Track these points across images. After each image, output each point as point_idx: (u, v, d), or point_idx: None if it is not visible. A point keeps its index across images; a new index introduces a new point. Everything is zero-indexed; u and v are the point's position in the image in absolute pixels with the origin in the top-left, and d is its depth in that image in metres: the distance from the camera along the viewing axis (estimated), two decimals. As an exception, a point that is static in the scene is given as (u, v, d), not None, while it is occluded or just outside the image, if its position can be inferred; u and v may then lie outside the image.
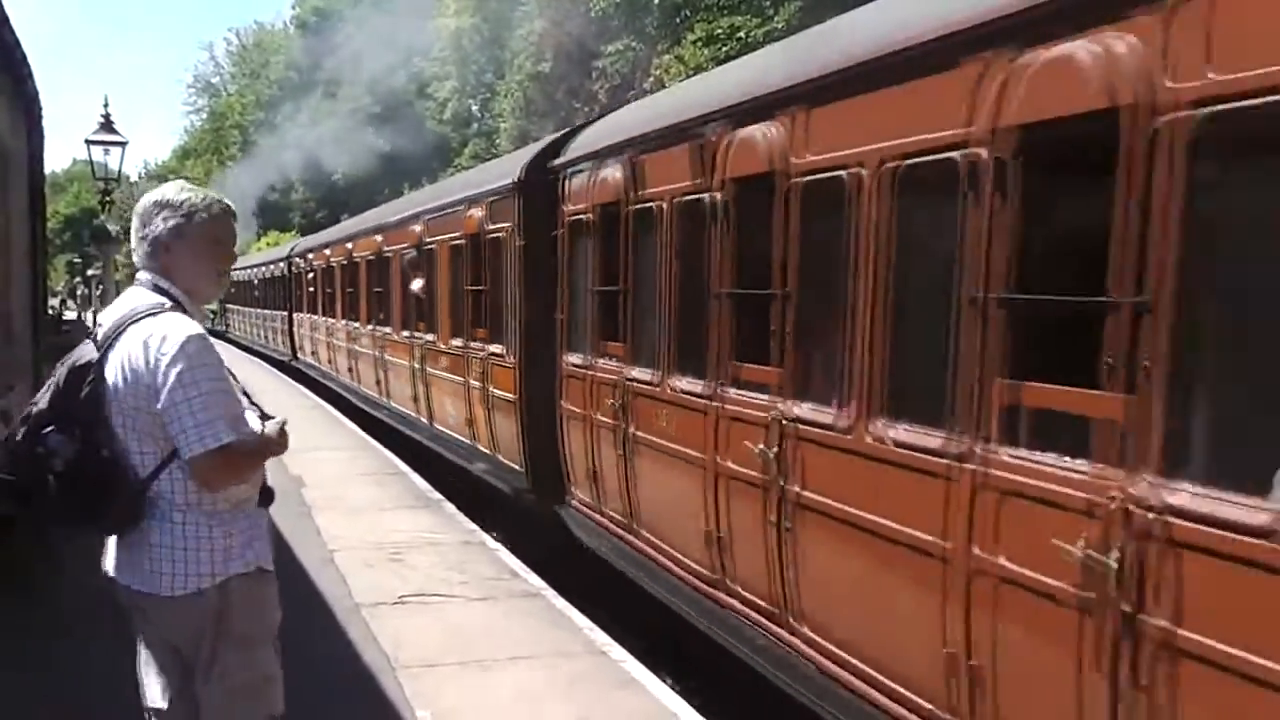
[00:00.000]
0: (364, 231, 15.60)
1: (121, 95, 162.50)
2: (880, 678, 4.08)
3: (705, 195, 5.27)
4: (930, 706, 3.79)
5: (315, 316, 19.63)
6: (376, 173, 40.97)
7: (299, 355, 22.21)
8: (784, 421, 4.60)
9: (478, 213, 9.41)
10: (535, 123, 29.44)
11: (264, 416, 3.06)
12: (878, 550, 3.98)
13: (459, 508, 9.73)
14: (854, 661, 4.25)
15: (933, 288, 3.68)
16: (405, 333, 12.51)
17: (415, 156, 38.94)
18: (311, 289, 20.03)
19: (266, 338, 27.17)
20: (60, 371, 2.91)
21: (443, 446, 11.22)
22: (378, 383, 14.36)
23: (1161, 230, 2.78)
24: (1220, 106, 2.60)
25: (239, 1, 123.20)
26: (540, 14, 30.26)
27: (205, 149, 63.96)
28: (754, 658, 5.01)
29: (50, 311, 24.47)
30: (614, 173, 6.46)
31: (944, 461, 3.61)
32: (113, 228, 18.28)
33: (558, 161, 7.58)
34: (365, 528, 8.63)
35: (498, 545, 8.28)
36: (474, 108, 39.92)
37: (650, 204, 5.95)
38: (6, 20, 6.77)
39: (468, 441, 10.18)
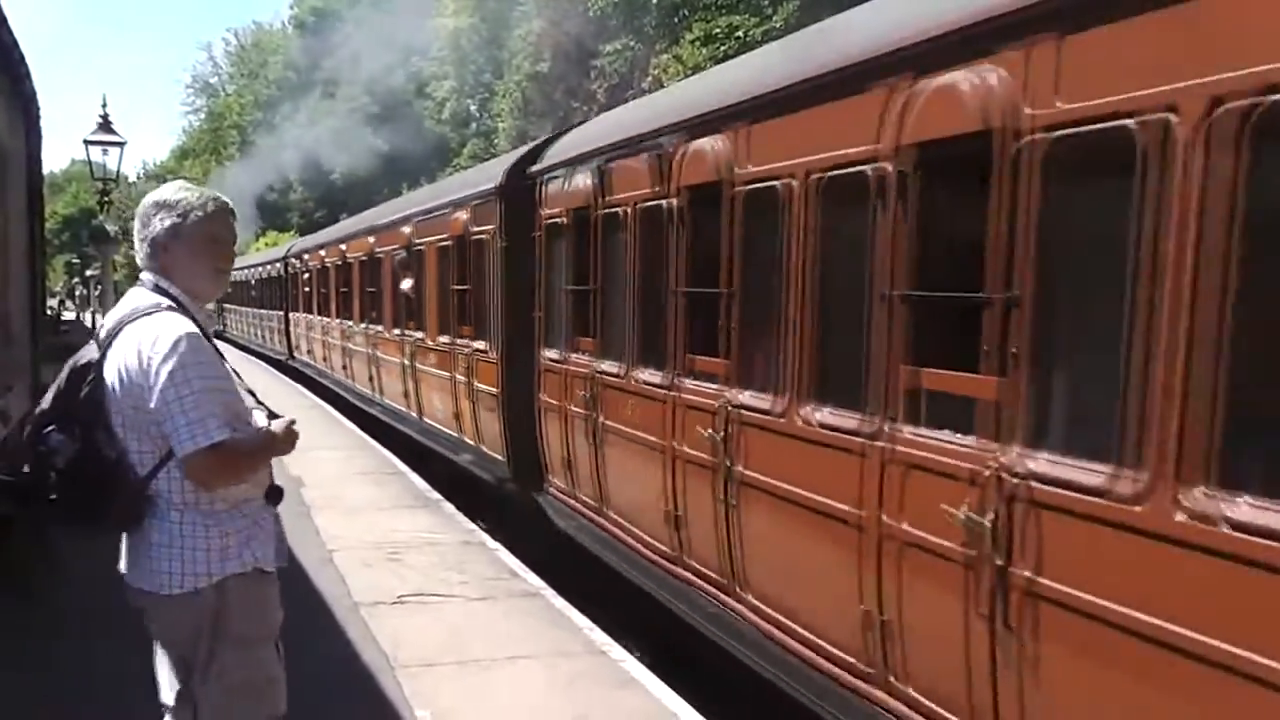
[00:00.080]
0: (357, 233, 16.05)
1: (120, 95, 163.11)
2: (812, 637, 4.54)
3: (663, 201, 5.74)
4: (852, 660, 4.25)
5: (311, 316, 20.06)
6: (375, 173, 41.00)
7: (295, 354, 22.63)
8: (730, 408, 5.06)
9: (463, 216, 9.87)
10: (534, 122, 29.46)
11: (272, 415, 3.07)
12: (806, 521, 4.44)
13: (457, 506, 9.99)
14: (790, 624, 4.71)
15: (850, 287, 4.14)
16: (396, 331, 12.96)
17: (414, 156, 39.00)
18: (307, 289, 20.45)
19: (264, 337, 27.59)
20: (63, 371, 2.94)
21: (432, 440, 11.67)
22: (370, 379, 14.80)
23: (1024, 236, 3.24)
24: (1065, 131, 3.06)
25: (237, 1, 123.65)
26: (538, 14, 30.26)
27: (203, 149, 63.77)
28: (706, 626, 5.47)
29: (49, 312, 24.69)
30: (585, 179, 6.93)
31: (859, 440, 4.07)
32: (111, 228, 18.21)
33: (535, 168, 8.05)
34: (364, 527, 8.67)
35: (497, 545, 8.31)
36: (472, 107, 39.94)
37: (616, 209, 6.41)
38: (4, 20, 6.75)
39: (454, 434, 10.63)
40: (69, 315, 51.15)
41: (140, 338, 2.77)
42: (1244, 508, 2.58)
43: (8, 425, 6.85)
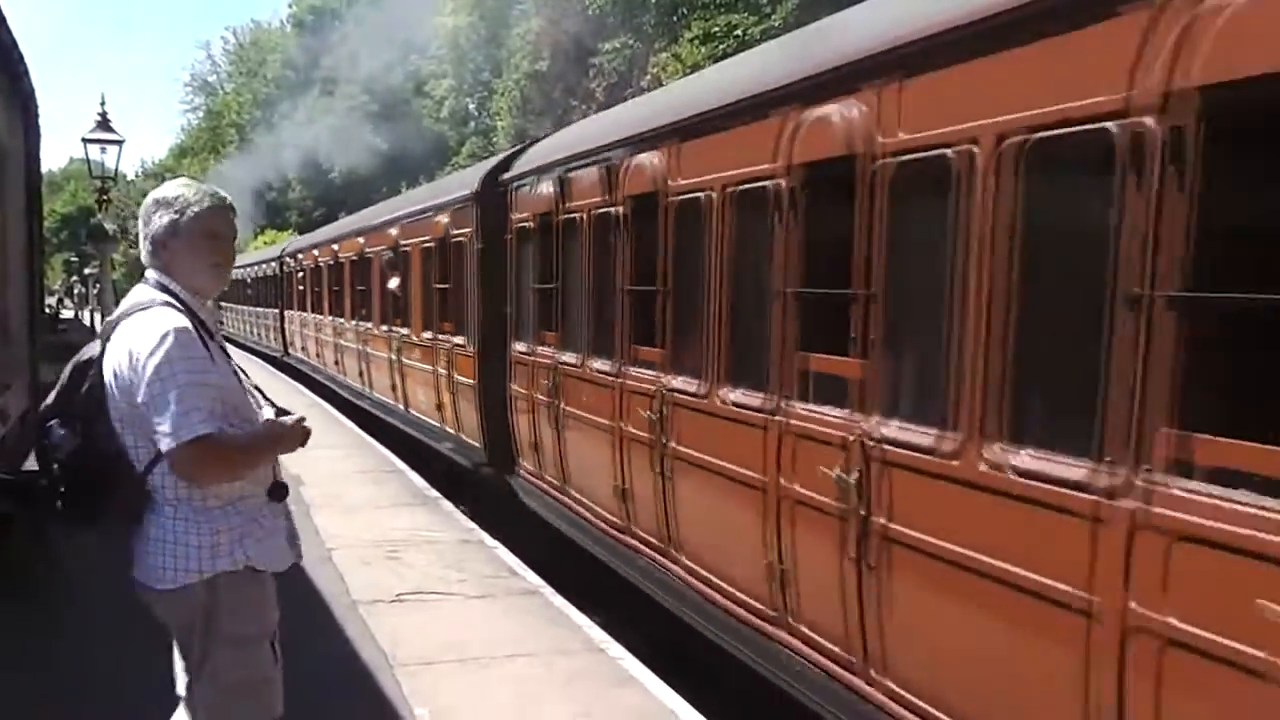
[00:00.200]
0: (348, 233, 16.73)
1: (118, 94, 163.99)
2: (731, 589, 5.23)
3: (612, 209, 6.42)
4: (761, 607, 4.94)
5: (305, 314, 20.72)
6: (374, 171, 40.83)
7: (290, 351, 23.29)
8: (665, 391, 5.75)
9: (444, 219, 10.56)
10: (532, 121, 29.42)
11: (281, 412, 3.09)
12: (722, 487, 5.13)
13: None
14: (715, 579, 5.40)
15: (756, 286, 4.83)
16: (384, 327, 13.63)
17: (413, 155, 38.89)
18: (301, 287, 21.10)
19: (259, 335, 28.24)
20: (67, 367, 2.98)
21: (417, 430, 12.35)
22: (361, 374, 15.48)
23: (878, 243, 3.93)
24: (906, 156, 3.75)
25: (236, 0, 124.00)
26: (537, 12, 30.21)
27: (202, 148, 63.37)
28: (651, 588, 6.15)
29: (47, 310, 24.98)
30: (548, 187, 7.62)
31: (762, 415, 4.76)
32: (110, 226, 18.11)
33: (506, 176, 8.73)
34: (362, 526, 8.65)
35: (495, 543, 8.29)
36: (471, 106, 39.74)
37: (574, 215, 7.10)
38: (3, 18, 6.74)
39: (437, 425, 11.32)
40: (67, 313, 51.49)
41: (131, 333, 2.80)
42: (1025, 457, 3.28)
43: (7, 424, 6.96)
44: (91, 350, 2.94)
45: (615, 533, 6.68)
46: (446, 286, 10.59)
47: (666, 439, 5.74)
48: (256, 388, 3.11)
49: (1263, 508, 2.55)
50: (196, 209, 2.92)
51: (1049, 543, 3.15)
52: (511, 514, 8.94)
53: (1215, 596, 2.65)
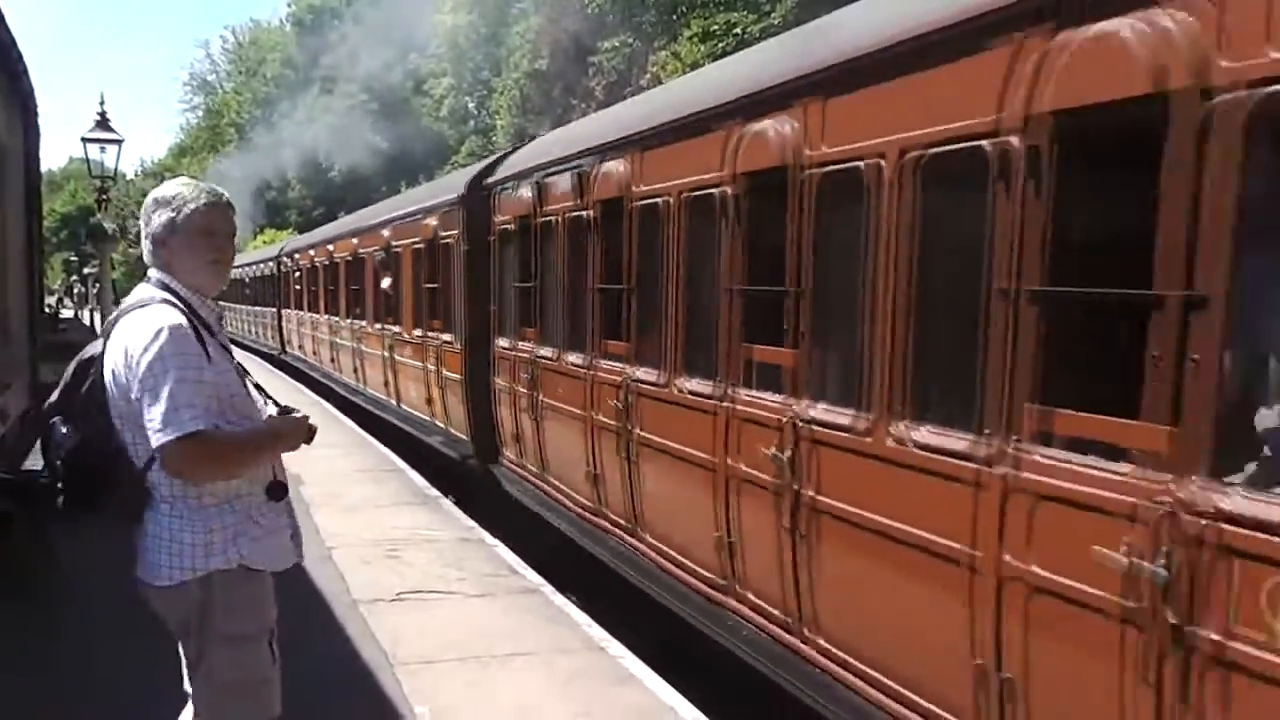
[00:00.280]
0: (343, 234, 17.19)
1: (118, 93, 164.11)
2: (688, 563, 5.68)
3: (583, 212, 6.88)
4: (713, 577, 5.40)
5: (301, 312, 21.16)
6: (373, 170, 40.78)
7: (287, 349, 23.73)
8: (630, 382, 6.21)
9: (432, 221, 11.02)
10: (532, 120, 29.47)
11: (284, 410, 3.10)
12: (678, 469, 5.59)
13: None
14: (674, 554, 5.86)
15: (707, 284, 5.29)
16: (377, 325, 14.08)
17: (412, 154, 38.85)
18: (298, 287, 21.55)
19: (257, 333, 28.68)
20: (71, 365, 3.00)
21: (409, 425, 12.81)
22: (355, 371, 15.93)
23: (806, 245, 4.39)
24: (828, 167, 4.21)
25: None
26: (537, 11, 30.22)
27: (202, 147, 63.16)
28: (619, 565, 6.61)
29: (47, 310, 25.11)
30: (527, 192, 8.07)
31: (712, 402, 5.22)
32: (109, 226, 17.95)
33: (490, 180, 9.19)
34: (362, 525, 8.66)
35: (495, 541, 8.29)
36: (470, 105, 39.67)
37: (550, 218, 7.56)
38: (2, 17, 6.79)
39: (427, 419, 11.78)
40: (67, 313, 51.61)
41: (127, 331, 2.82)
42: (923, 433, 3.73)
43: (6, 423, 7.07)
44: (94, 348, 2.96)
45: (589, 515, 7.14)
46: (435, 286, 11.05)
47: (632, 426, 6.20)
48: (258, 386, 3.12)
49: (1102, 469, 3.01)
50: (193, 206, 2.92)
51: (941, 506, 3.61)
52: (502, 507, 9.40)
53: (1067, 547, 3.10)
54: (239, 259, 31.59)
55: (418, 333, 11.85)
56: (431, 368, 11.27)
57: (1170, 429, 2.78)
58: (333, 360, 17.97)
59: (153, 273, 2.98)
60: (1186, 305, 2.71)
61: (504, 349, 8.83)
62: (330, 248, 17.88)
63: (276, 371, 23.15)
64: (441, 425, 11.15)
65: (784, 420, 4.56)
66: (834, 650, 4.37)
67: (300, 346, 21.76)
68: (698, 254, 5.41)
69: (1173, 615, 2.75)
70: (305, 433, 3.07)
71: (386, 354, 13.58)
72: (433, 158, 38.38)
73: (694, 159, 5.37)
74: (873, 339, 3.96)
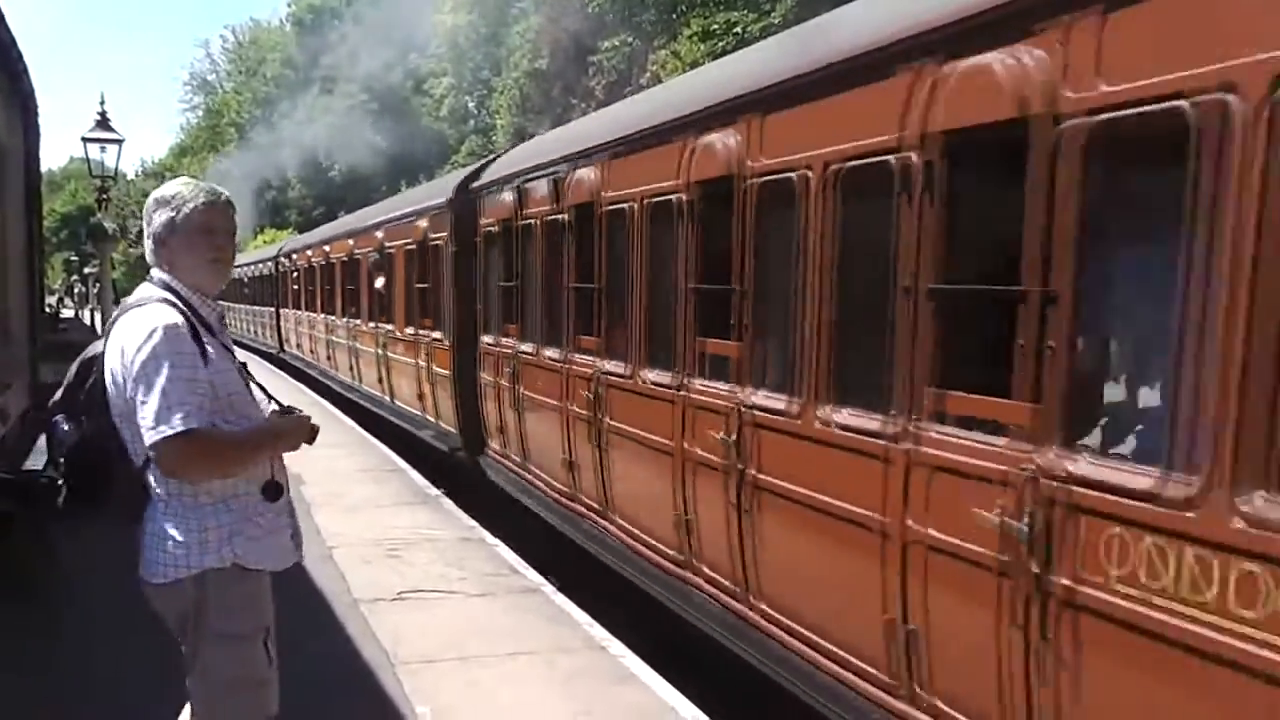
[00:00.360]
0: (339, 235, 17.65)
1: (118, 93, 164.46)
2: (652, 541, 6.13)
3: (559, 216, 7.34)
4: (674, 554, 5.84)
5: (299, 311, 21.62)
6: (374, 170, 40.79)
7: (285, 348, 24.19)
8: (600, 374, 6.66)
9: (423, 223, 11.48)
10: (532, 119, 29.54)
11: (286, 410, 3.12)
12: (643, 455, 6.05)
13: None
14: (640, 534, 6.31)
15: (667, 283, 5.74)
16: (372, 324, 14.54)
17: (412, 154, 38.88)
18: (296, 286, 22.01)
19: (256, 332, 29.13)
20: (75, 363, 3.04)
21: (402, 420, 13.26)
22: (351, 368, 16.39)
23: (749, 247, 4.84)
24: (767, 176, 4.67)
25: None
26: (537, 10, 30.30)
27: (202, 147, 63.17)
28: (594, 547, 7.06)
29: (47, 310, 25.34)
30: (509, 196, 8.53)
31: (671, 392, 5.67)
32: (109, 225, 17.97)
33: (476, 185, 9.65)
34: (363, 524, 8.71)
35: (496, 541, 8.35)
36: (470, 104, 39.70)
37: (530, 221, 8.02)
38: (2, 17, 6.85)
39: (419, 414, 12.24)
40: (67, 313, 51.85)
41: (124, 330, 2.84)
42: (844, 414, 4.19)
43: (7, 423, 7.26)
44: (96, 347, 2.99)
45: (565, 500, 7.60)
46: (426, 285, 11.51)
47: (602, 415, 6.66)
48: (260, 385, 3.13)
49: (982, 442, 3.46)
50: (192, 205, 2.93)
51: (858, 479, 4.07)
52: (496, 498, 9.86)
53: (955, 511, 3.56)
54: (238, 259, 32.15)
55: (410, 331, 12.31)
56: (423, 364, 11.72)
57: (1033, 406, 3.24)
58: (329, 358, 18.42)
59: (155, 272, 3.01)
60: (1044, 300, 3.17)
61: (489, 345, 9.29)
62: (327, 248, 18.34)
63: (277, 371, 23.53)
64: (432, 420, 11.61)
65: (730, 407, 5.02)
66: (774, 614, 4.83)
67: (298, 345, 22.22)
68: (659, 255, 5.87)
69: (1035, 566, 3.21)
70: (306, 432, 3.10)
71: (381, 352, 14.03)
72: (433, 157, 38.33)
73: (655, 168, 5.82)
74: (802, 332, 4.42)
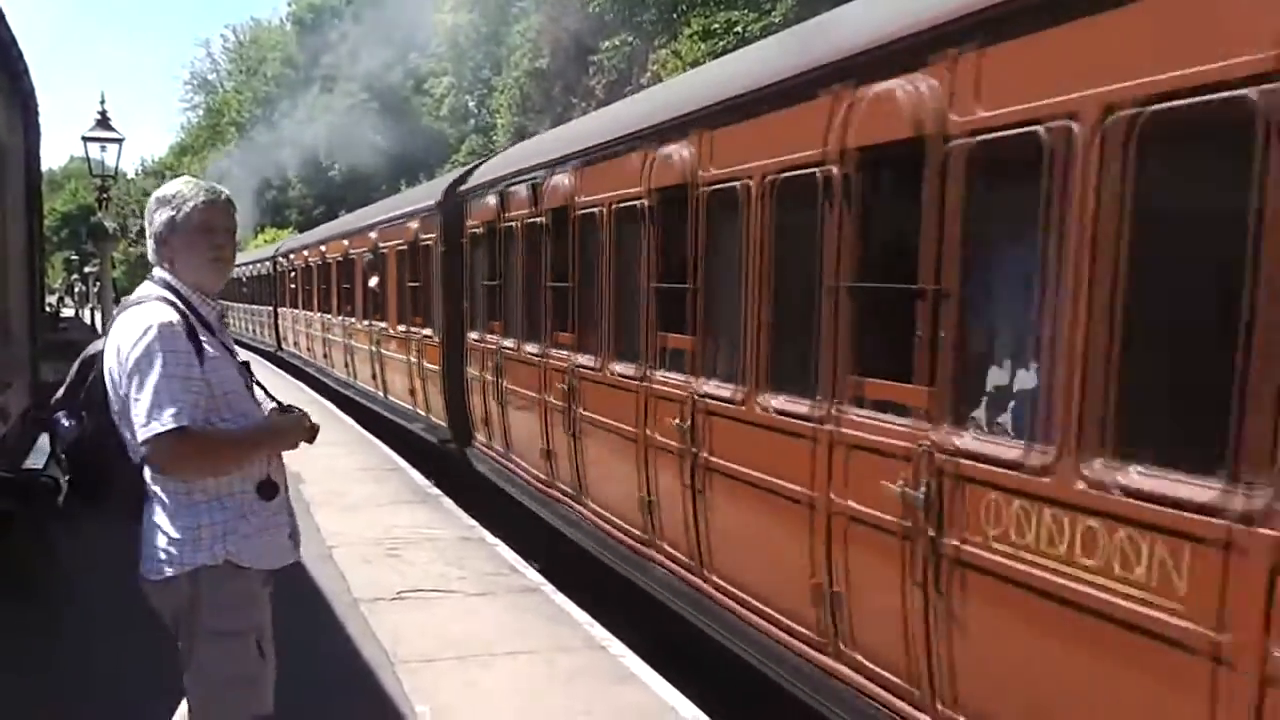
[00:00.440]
0: (334, 236, 18.12)
1: (118, 92, 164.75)
2: (621, 523, 6.59)
3: (538, 219, 7.80)
4: (638, 532, 6.30)
5: (296, 310, 22.07)
6: (374, 169, 40.78)
7: (283, 346, 24.64)
8: (574, 367, 7.13)
9: (414, 225, 11.94)
10: (532, 119, 29.62)
11: (285, 409, 3.14)
12: (611, 442, 6.51)
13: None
14: (610, 516, 6.76)
15: (633, 281, 6.20)
16: (366, 322, 15.00)
17: (413, 153, 38.90)
18: (293, 285, 22.46)
19: (254, 331, 29.58)
20: (77, 361, 3.08)
21: (394, 414, 13.73)
22: (346, 365, 16.85)
23: (701, 250, 5.30)
24: (714, 186, 5.13)
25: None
26: (537, 10, 30.38)
27: (202, 146, 63.10)
28: (569, 530, 7.52)
29: (47, 309, 25.48)
30: (493, 200, 9.00)
31: (634, 382, 6.13)
32: (110, 225, 18.02)
33: (463, 188, 10.12)
34: (363, 524, 8.73)
35: (496, 540, 8.39)
36: (471, 104, 39.66)
37: (511, 223, 8.48)
38: (2, 16, 6.86)
39: (410, 408, 12.70)
40: (68, 312, 52.04)
41: (120, 329, 2.87)
42: (780, 400, 4.65)
43: (7, 422, 7.29)
44: (97, 345, 3.03)
45: (543, 487, 8.06)
46: (417, 284, 11.97)
47: (575, 406, 7.12)
48: (259, 384, 3.14)
49: (890, 423, 3.92)
50: (192, 204, 2.94)
51: (791, 458, 4.53)
52: (496, 499, 10.32)
53: (869, 484, 4.02)
54: (237, 259, 32.51)
55: (401, 328, 12.77)
56: (414, 360, 12.19)
57: (929, 389, 3.70)
58: (325, 356, 18.87)
59: (156, 271, 3.03)
60: (936, 297, 3.63)
61: (474, 341, 9.75)
62: (323, 248, 18.80)
63: (277, 370, 23.82)
64: (423, 413, 12.07)
65: (685, 395, 5.48)
66: (723, 584, 5.29)
67: (295, 343, 22.66)
68: (625, 257, 6.33)
69: (931, 530, 3.67)
70: (305, 432, 3.11)
71: (374, 349, 14.49)
72: (433, 157, 38.17)
73: (621, 175, 6.28)
74: (745, 327, 4.89)
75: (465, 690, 5.20)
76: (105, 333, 3.07)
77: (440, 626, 6.16)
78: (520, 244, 8.29)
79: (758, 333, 4.80)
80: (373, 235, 14.47)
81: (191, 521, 2.87)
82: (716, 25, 20.66)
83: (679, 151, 5.49)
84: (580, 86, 27.88)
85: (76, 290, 64.57)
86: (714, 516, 5.31)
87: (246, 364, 3.13)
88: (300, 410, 3.17)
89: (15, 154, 8.30)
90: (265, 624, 3.02)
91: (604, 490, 6.87)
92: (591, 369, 6.83)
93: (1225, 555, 2.63)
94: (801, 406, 4.47)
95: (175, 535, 2.86)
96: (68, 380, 3.07)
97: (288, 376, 22.16)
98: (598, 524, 6.97)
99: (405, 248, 12.49)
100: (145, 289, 2.99)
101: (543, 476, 8.04)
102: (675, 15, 23.08)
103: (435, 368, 11.17)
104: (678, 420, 5.54)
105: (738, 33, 19.49)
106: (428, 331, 11.52)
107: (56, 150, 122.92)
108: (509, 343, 8.66)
